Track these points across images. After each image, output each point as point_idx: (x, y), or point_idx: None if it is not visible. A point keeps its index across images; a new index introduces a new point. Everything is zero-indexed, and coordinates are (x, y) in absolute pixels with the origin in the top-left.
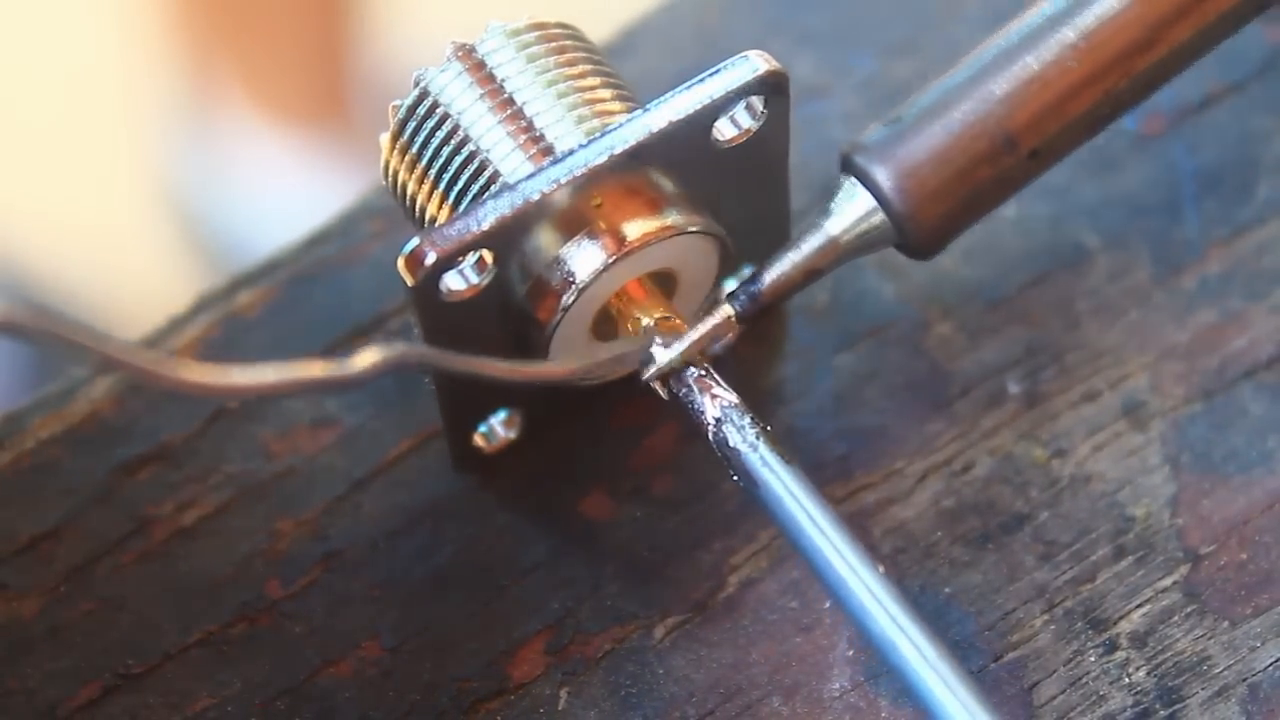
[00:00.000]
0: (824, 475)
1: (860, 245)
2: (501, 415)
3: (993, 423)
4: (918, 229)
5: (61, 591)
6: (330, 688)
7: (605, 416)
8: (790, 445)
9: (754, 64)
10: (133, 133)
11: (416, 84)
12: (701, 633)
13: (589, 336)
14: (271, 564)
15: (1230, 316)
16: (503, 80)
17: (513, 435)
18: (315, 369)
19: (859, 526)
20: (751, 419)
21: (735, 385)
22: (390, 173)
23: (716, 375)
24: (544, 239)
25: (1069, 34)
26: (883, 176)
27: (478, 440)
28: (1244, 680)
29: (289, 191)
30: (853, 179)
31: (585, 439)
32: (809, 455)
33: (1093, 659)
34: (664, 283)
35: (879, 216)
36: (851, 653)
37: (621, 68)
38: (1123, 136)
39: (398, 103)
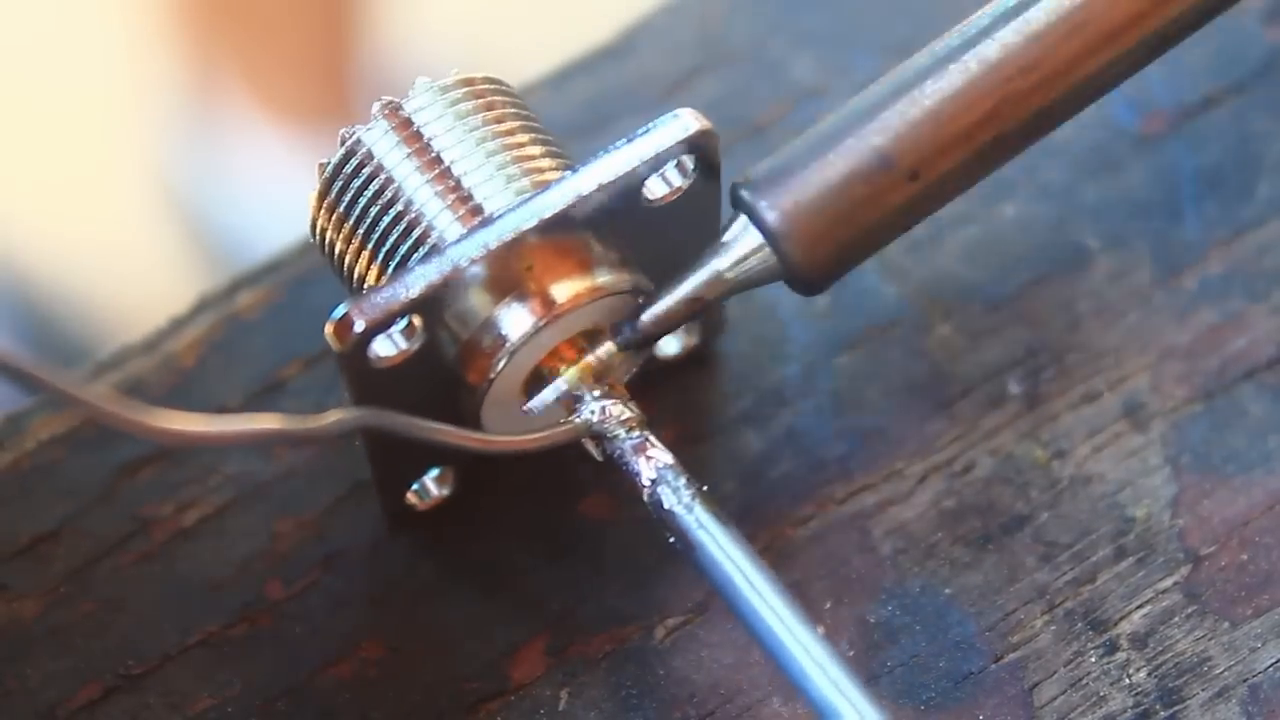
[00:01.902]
0: (824, 475)
1: (747, 280)
2: (434, 473)
3: (993, 423)
4: (804, 266)
5: (61, 592)
6: (330, 688)
7: None
8: (791, 446)
9: (685, 123)
10: (135, 132)
11: (342, 142)
12: (702, 633)
13: (520, 397)
14: (272, 564)
15: (1231, 317)
16: (430, 139)
17: (445, 492)
18: (275, 423)
19: (859, 528)
20: (687, 480)
21: (736, 387)
22: (318, 231)
23: (652, 436)
24: (474, 302)
25: (959, 69)
26: (768, 213)
27: (410, 498)
28: (1244, 681)
29: (292, 190)
30: (742, 214)
31: None
32: (809, 455)
33: (1093, 660)
34: (596, 341)
35: (766, 252)
36: (851, 653)
37: (621, 68)
38: (1123, 136)
39: (324, 161)
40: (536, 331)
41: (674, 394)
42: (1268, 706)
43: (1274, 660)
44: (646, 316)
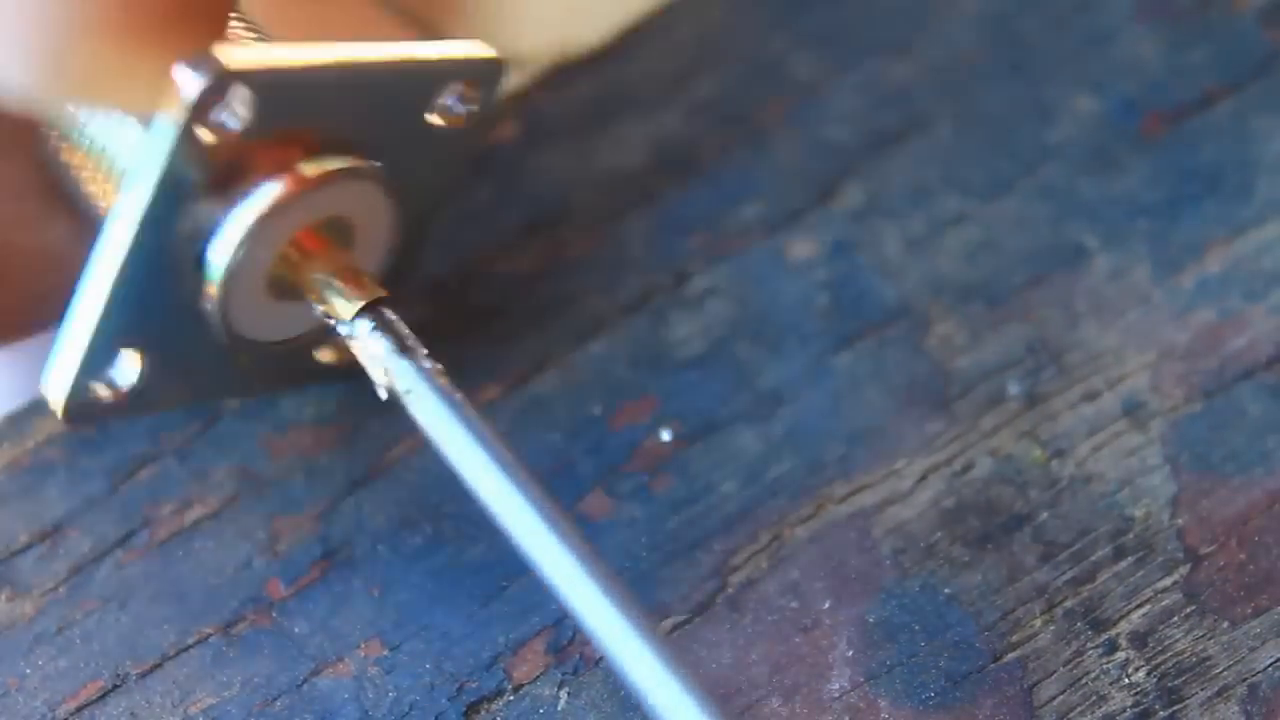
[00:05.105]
0: (824, 475)
1: None
2: (128, 358)
3: (993, 423)
4: None
5: (61, 592)
6: (330, 688)
7: (605, 416)
8: (790, 445)
9: (478, 46)
10: None
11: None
12: (701, 633)
13: (268, 297)
14: (271, 564)
15: (1230, 317)
16: None
17: (133, 384)
18: None
19: (858, 527)
20: (425, 356)
21: (735, 386)
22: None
23: (392, 316)
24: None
25: None
26: None
27: (98, 389)
28: (1244, 680)
29: None
30: None
31: (585, 439)
32: (809, 455)
33: (1093, 659)
34: (340, 234)
35: None
36: (851, 653)
37: (620, 69)
38: (1122, 136)
39: None
40: (283, 206)
41: (673, 393)
42: (1267, 706)
43: (1273, 660)
44: None
